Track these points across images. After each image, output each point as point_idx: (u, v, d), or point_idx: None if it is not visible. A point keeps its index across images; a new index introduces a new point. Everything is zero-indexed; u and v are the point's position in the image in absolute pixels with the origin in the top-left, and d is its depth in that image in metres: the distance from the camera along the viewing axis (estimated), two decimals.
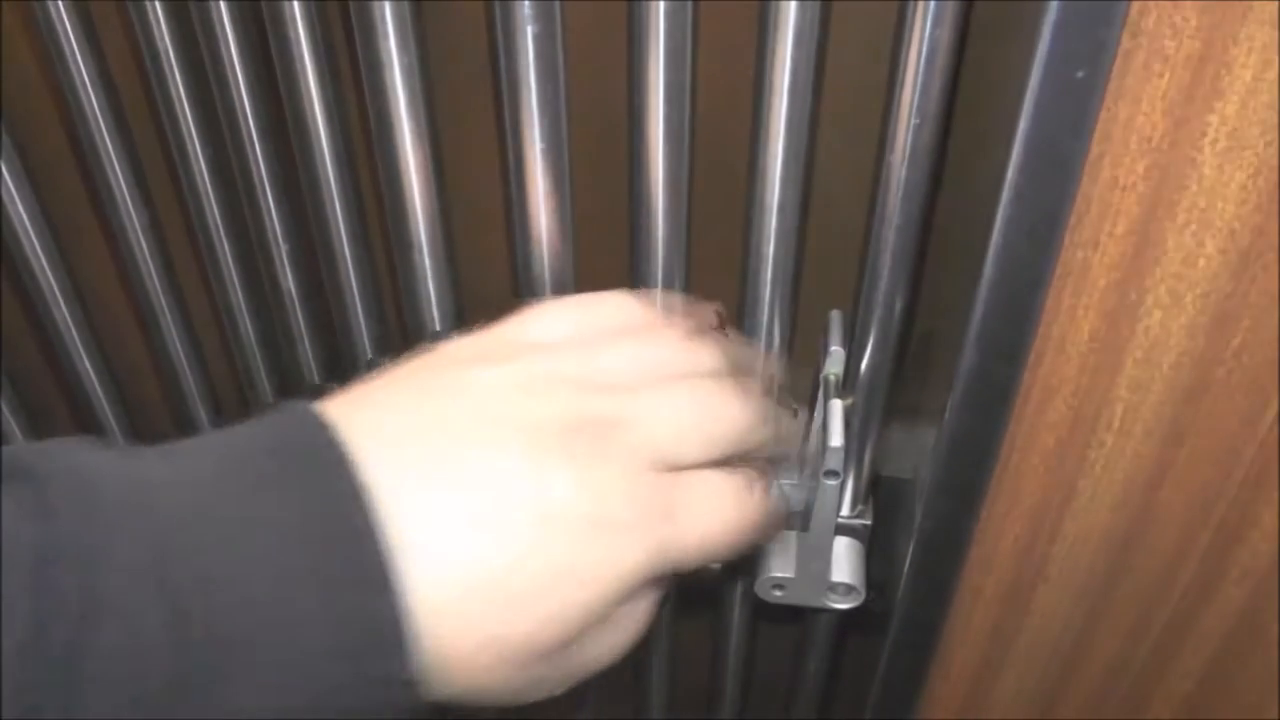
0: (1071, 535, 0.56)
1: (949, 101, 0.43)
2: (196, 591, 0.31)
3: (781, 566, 0.56)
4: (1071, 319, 0.47)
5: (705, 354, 0.41)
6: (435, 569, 0.34)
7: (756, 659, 0.72)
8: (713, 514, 0.38)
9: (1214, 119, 0.40)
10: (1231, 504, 0.52)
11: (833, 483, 0.51)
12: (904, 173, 0.44)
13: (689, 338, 0.41)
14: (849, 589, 0.56)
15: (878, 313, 0.49)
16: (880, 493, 0.52)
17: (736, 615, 0.67)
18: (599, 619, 0.36)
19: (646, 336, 0.40)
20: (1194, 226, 0.43)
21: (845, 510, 0.55)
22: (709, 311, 0.47)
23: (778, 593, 0.57)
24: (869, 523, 0.56)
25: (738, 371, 0.41)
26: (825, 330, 0.52)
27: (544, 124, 0.45)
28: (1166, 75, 0.40)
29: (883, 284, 0.48)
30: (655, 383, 0.38)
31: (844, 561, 0.56)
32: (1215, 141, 0.41)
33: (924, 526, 0.54)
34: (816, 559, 0.54)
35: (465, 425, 0.35)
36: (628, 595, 0.36)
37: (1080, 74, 0.39)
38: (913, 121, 0.42)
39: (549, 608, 0.35)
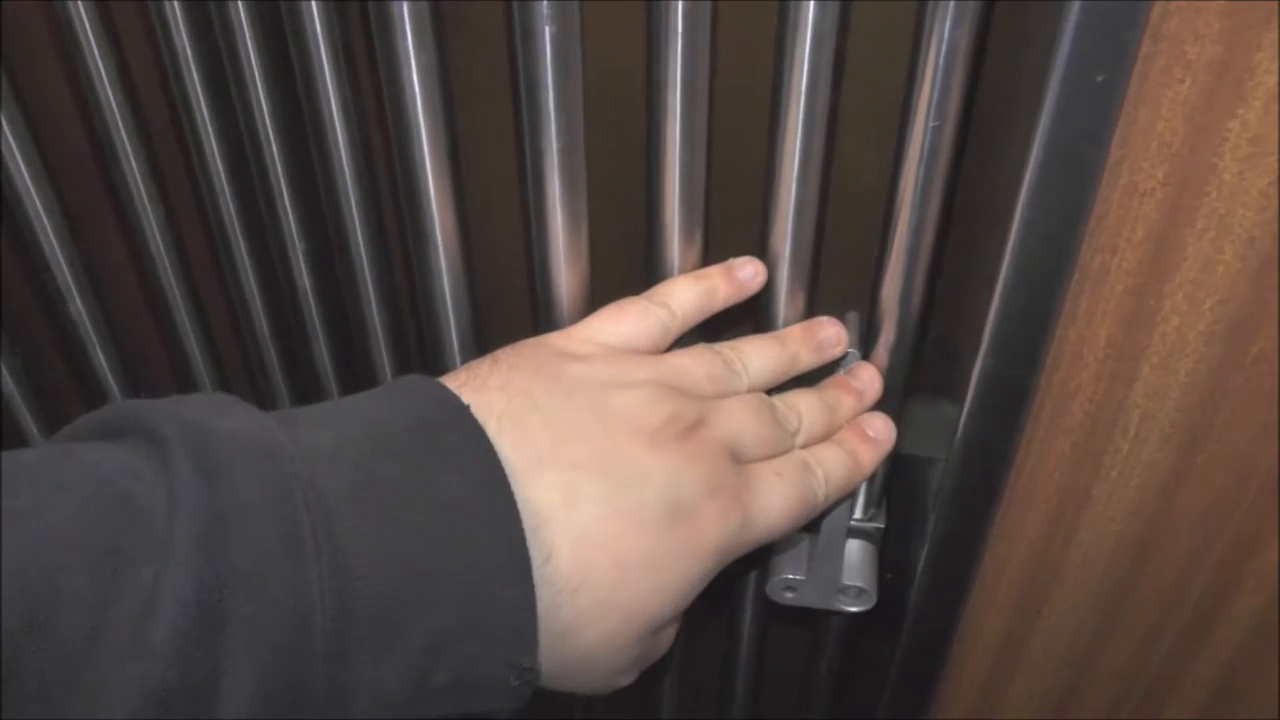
0: (1086, 541, 0.56)
1: (967, 103, 0.42)
2: (361, 565, 0.33)
3: (793, 568, 0.56)
4: (1089, 324, 0.47)
5: (754, 364, 0.47)
6: (576, 545, 0.37)
7: (767, 660, 0.72)
8: (779, 494, 0.43)
9: (1235, 125, 0.40)
10: (1248, 512, 0.52)
11: None
12: (921, 174, 0.44)
13: (738, 353, 0.47)
14: (860, 592, 0.56)
15: (894, 315, 0.49)
16: (899, 470, 0.51)
17: (748, 616, 0.67)
18: (696, 592, 0.41)
19: (700, 349, 0.47)
20: (1213, 233, 0.43)
21: (858, 513, 0.55)
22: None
23: (789, 595, 0.57)
24: (881, 525, 0.56)
25: (786, 372, 0.49)
26: None
27: (560, 124, 0.45)
28: (1188, 80, 0.39)
29: (899, 286, 0.47)
30: (714, 389, 0.44)
31: (856, 564, 0.56)
32: (1236, 147, 0.41)
33: (938, 530, 0.54)
34: (828, 562, 0.55)
35: (586, 418, 0.40)
36: (721, 565, 0.42)
37: (1100, 78, 0.39)
38: (930, 123, 0.42)
39: (671, 580, 0.39)
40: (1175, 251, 0.44)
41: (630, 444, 0.40)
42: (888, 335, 0.50)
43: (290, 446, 0.34)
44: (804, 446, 0.48)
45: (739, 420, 0.44)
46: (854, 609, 0.57)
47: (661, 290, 0.48)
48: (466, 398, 0.39)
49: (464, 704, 0.37)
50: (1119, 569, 0.57)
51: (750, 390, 0.47)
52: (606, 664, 0.40)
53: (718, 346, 0.48)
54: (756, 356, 0.48)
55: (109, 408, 0.35)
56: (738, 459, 0.43)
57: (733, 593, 0.66)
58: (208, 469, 0.32)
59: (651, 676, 0.73)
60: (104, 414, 0.35)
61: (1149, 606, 0.58)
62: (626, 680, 0.43)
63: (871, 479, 0.54)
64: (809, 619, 0.67)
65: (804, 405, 0.48)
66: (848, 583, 0.56)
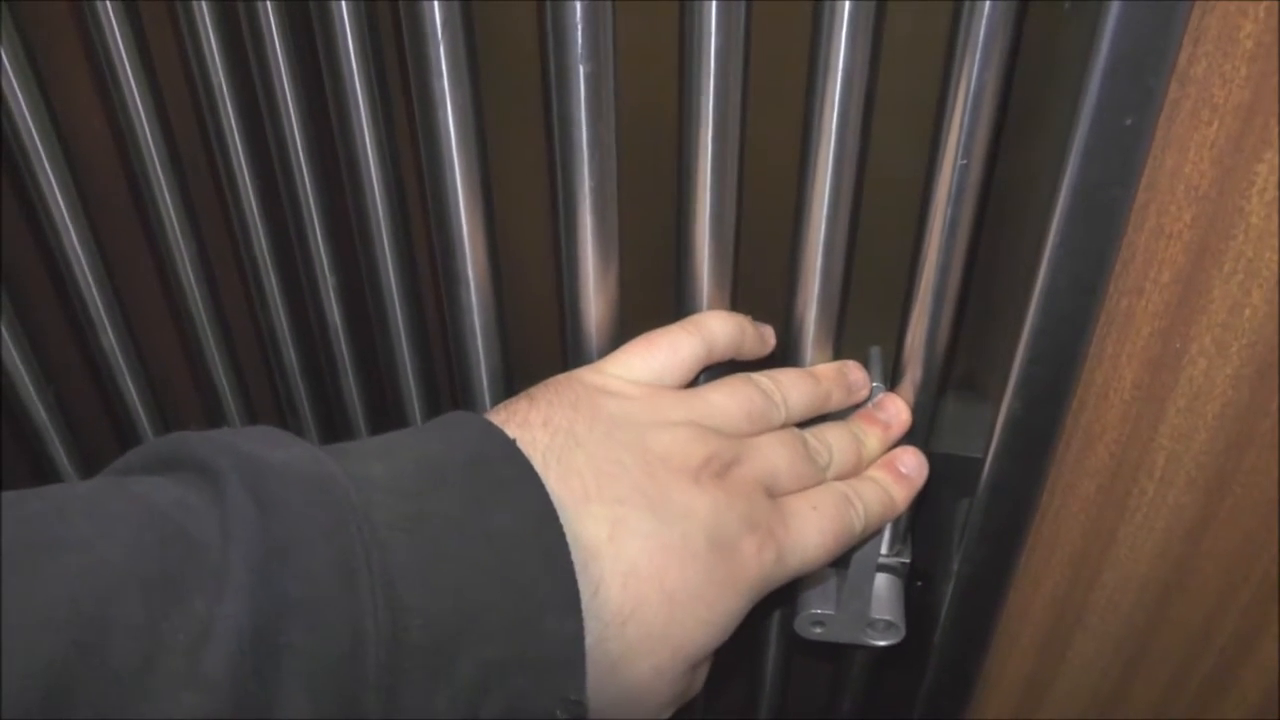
0: (1111, 584, 0.56)
1: (994, 143, 0.43)
2: (414, 595, 0.33)
3: (821, 604, 0.56)
4: (1115, 367, 0.47)
5: (793, 397, 0.48)
6: (626, 578, 0.38)
7: (790, 698, 0.72)
8: (814, 527, 0.44)
9: (1262, 168, 0.40)
10: (1275, 556, 0.52)
11: None
12: (949, 212, 0.44)
13: (776, 384, 0.48)
14: (889, 625, 0.56)
15: (920, 353, 0.49)
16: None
17: (772, 653, 0.67)
18: (736, 623, 0.42)
19: (736, 383, 0.47)
20: (1240, 276, 0.43)
21: (884, 549, 0.55)
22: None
23: (818, 630, 0.57)
24: (907, 560, 0.56)
25: (819, 409, 0.49)
26: (866, 367, 0.52)
27: (593, 163, 0.46)
28: (1215, 124, 0.40)
29: (925, 324, 0.48)
30: (750, 426, 0.45)
31: (884, 598, 0.56)
32: (1264, 191, 0.41)
33: (962, 572, 0.54)
34: (857, 596, 0.55)
35: (628, 454, 0.41)
36: (758, 599, 0.42)
37: (1129, 121, 0.39)
38: (959, 162, 0.43)
39: (715, 614, 0.40)
40: (1202, 294, 0.44)
41: (673, 479, 0.41)
42: (913, 373, 0.50)
43: (344, 479, 0.35)
44: (834, 480, 0.48)
45: (774, 457, 0.45)
46: (883, 643, 0.57)
47: (694, 320, 0.49)
48: (511, 433, 0.39)
49: None
50: (1144, 613, 0.56)
51: (785, 425, 0.47)
52: (653, 698, 0.41)
53: (755, 378, 0.48)
54: (795, 391, 0.48)
55: (160, 440, 0.36)
56: (772, 493, 0.44)
57: (757, 630, 0.65)
58: (262, 500, 0.32)
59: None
60: (156, 446, 0.36)
61: (1174, 651, 0.58)
62: (665, 715, 0.43)
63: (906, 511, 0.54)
64: (831, 656, 0.66)
65: (834, 439, 0.49)
66: (876, 616, 0.56)
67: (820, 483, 0.47)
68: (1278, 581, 0.53)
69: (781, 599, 0.61)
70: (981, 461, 0.50)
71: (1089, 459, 0.51)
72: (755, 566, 0.41)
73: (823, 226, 0.47)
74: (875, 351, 0.53)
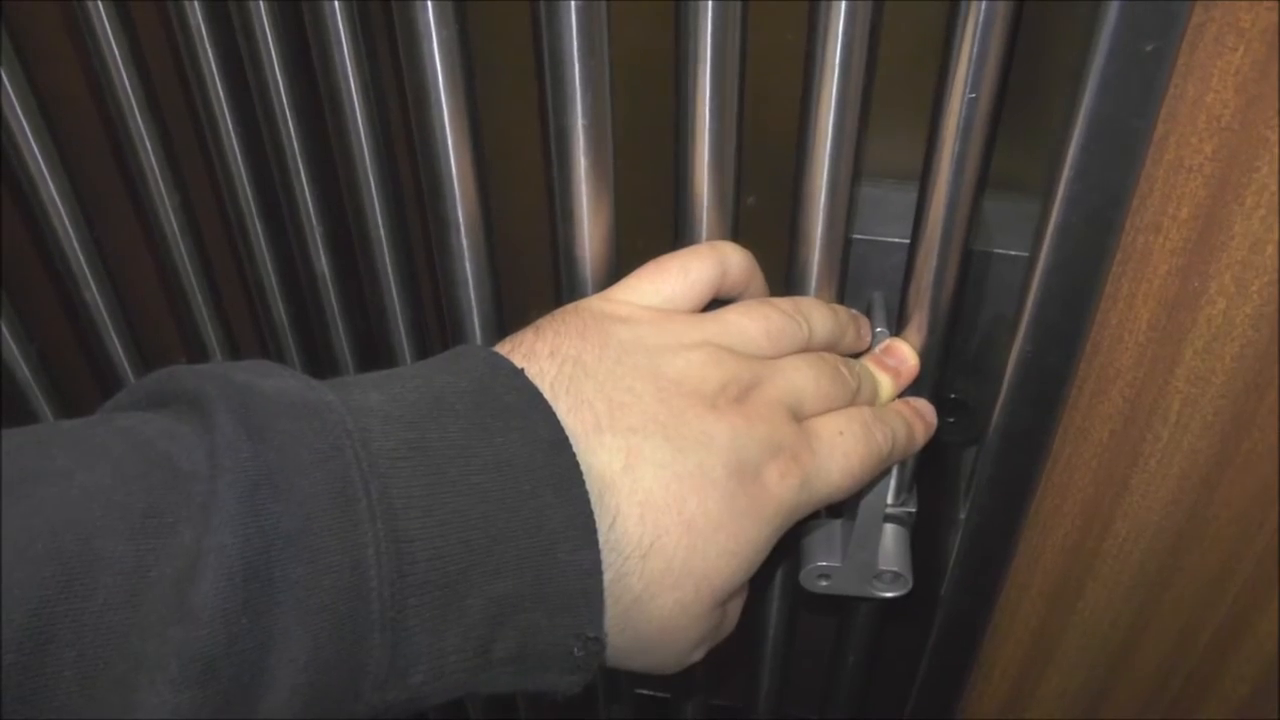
0: (1123, 532, 0.54)
1: (1004, 75, 0.41)
2: (417, 526, 0.32)
3: (827, 556, 0.55)
4: (1130, 307, 0.46)
5: (815, 319, 0.45)
6: (644, 509, 0.36)
7: (794, 652, 0.71)
8: (841, 451, 0.42)
9: None
10: None
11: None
12: (956, 147, 0.42)
13: (796, 306, 0.45)
14: (896, 576, 0.55)
15: (927, 296, 0.47)
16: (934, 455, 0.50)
17: (775, 608, 0.66)
18: (764, 554, 0.40)
19: (756, 304, 0.45)
20: (1263, 211, 0.42)
21: (890, 498, 0.53)
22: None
23: (823, 582, 0.56)
24: (913, 510, 0.55)
25: (841, 335, 0.47)
26: (868, 312, 0.51)
27: (586, 102, 0.44)
28: (1240, 49, 0.38)
29: (932, 264, 0.46)
30: (771, 347, 0.43)
31: (891, 549, 0.55)
32: None
33: (971, 519, 0.53)
34: (864, 547, 0.54)
35: (640, 381, 0.39)
36: (785, 528, 0.41)
37: (1149, 47, 0.37)
38: (968, 94, 0.41)
39: (740, 544, 0.38)
40: (1222, 230, 0.43)
41: (688, 405, 0.39)
42: (919, 319, 0.48)
43: (339, 405, 0.33)
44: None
45: (798, 378, 0.43)
46: (890, 594, 0.56)
47: (708, 244, 0.47)
48: (517, 364, 0.38)
49: (526, 677, 0.36)
50: (1157, 561, 0.55)
51: (808, 348, 0.45)
52: (680, 636, 0.39)
53: (775, 300, 0.46)
54: (816, 315, 0.46)
55: (152, 376, 0.34)
56: (797, 416, 0.42)
57: (759, 582, 0.64)
58: (252, 427, 0.31)
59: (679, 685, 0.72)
60: (146, 381, 0.34)
61: (1187, 600, 0.57)
62: (697, 656, 0.42)
63: (903, 463, 0.52)
64: (836, 609, 0.65)
65: (861, 369, 0.47)
66: (884, 568, 0.55)
67: (847, 406, 0.45)
68: None
69: (785, 552, 0.59)
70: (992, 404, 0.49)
71: (1102, 403, 0.49)
72: (780, 493, 0.40)
73: (825, 167, 0.45)
74: (878, 297, 0.52)
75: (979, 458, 0.51)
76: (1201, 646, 0.59)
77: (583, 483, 0.35)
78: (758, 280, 0.47)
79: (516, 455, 0.34)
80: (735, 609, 0.43)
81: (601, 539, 0.35)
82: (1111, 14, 0.36)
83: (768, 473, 0.39)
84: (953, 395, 0.56)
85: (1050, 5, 0.44)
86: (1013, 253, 0.49)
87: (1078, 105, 0.39)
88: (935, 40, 0.43)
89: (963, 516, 0.53)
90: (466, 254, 0.50)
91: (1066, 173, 0.40)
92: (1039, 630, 0.60)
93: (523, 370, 0.37)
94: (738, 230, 0.48)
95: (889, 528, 0.55)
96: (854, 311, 0.50)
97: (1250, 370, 0.46)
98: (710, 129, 0.45)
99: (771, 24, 0.49)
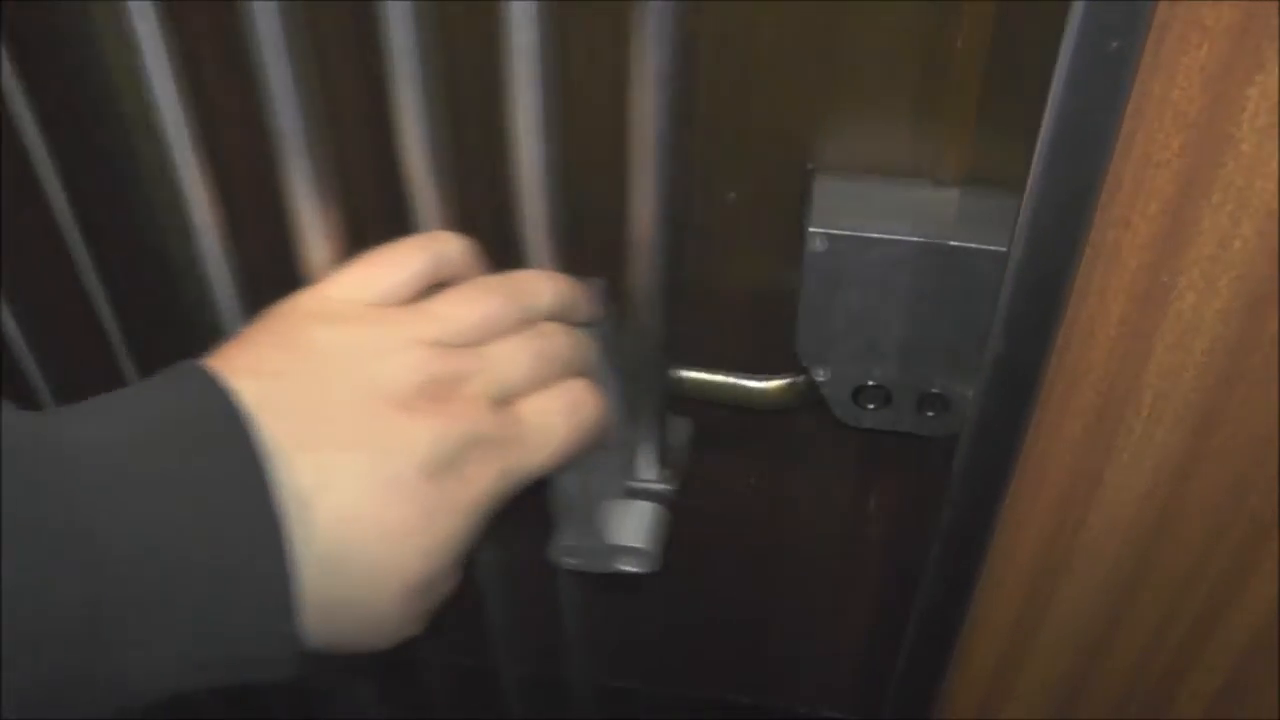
0: (1097, 526, 0.55)
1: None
2: (115, 549, 0.33)
3: (570, 531, 0.57)
4: (1101, 302, 0.46)
5: (533, 291, 0.47)
6: (341, 525, 0.38)
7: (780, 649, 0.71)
8: (549, 429, 0.44)
9: (1254, 92, 0.39)
10: (1264, 496, 0.51)
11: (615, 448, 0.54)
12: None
13: (502, 283, 0.46)
14: (639, 553, 0.56)
15: (647, 275, 0.49)
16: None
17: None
18: (472, 538, 0.42)
19: (470, 290, 0.45)
20: (1230, 206, 0.42)
21: (646, 474, 0.56)
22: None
23: (571, 559, 0.58)
24: (672, 487, 0.57)
25: (561, 304, 0.48)
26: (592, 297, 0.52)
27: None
28: (1205, 46, 0.38)
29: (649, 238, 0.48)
30: (485, 332, 0.44)
31: (633, 525, 0.57)
32: (1255, 116, 0.39)
33: (947, 515, 0.53)
34: (595, 522, 0.56)
35: (341, 390, 0.40)
36: (492, 512, 0.42)
37: (1114, 44, 0.37)
38: None
39: (439, 541, 0.40)
40: (1191, 226, 0.43)
41: (387, 412, 0.40)
42: (644, 295, 0.50)
43: (42, 441, 0.34)
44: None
45: (507, 365, 0.44)
46: (634, 570, 0.57)
47: (422, 235, 0.47)
48: (220, 383, 0.38)
49: (238, 677, 0.38)
50: (1131, 555, 0.56)
51: (528, 322, 0.46)
52: (388, 624, 0.41)
53: (491, 278, 0.47)
54: (535, 287, 0.47)
55: None
56: (505, 401, 0.43)
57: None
58: None
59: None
60: None
61: (1162, 593, 0.57)
62: (415, 631, 0.43)
63: (661, 440, 0.55)
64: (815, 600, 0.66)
65: (576, 340, 0.48)
66: (624, 544, 0.56)
67: (557, 382, 0.46)
68: (1267, 519, 0.52)
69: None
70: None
71: (1074, 399, 0.49)
72: (482, 485, 0.41)
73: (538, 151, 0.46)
74: (596, 283, 0.52)
75: (955, 453, 0.51)
76: (1177, 639, 0.59)
77: (276, 504, 0.36)
78: (477, 267, 0.48)
79: (212, 482, 0.36)
80: (453, 581, 0.44)
81: (300, 552, 0.37)
82: (1077, 13, 0.37)
83: (469, 466, 0.41)
84: (933, 390, 0.56)
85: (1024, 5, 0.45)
86: (988, 247, 0.50)
87: (1046, 101, 0.39)
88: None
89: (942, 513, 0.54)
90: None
91: (1035, 168, 0.41)
92: (1015, 625, 0.60)
93: (226, 393, 0.38)
94: (718, 226, 0.49)
95: (637, 504, 0.57)
96: (575, 280, 0.50)
97: (1220, 365, 0.47)
98: (421, 118, 0.46)
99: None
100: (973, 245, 0.51)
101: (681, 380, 0.60)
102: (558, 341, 0.46)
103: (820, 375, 0.58)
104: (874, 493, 0.68)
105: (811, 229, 0.52)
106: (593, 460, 0.50)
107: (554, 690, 0.82)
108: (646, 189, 0.46)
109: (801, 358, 0.57)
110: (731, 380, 0.60)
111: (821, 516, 0.70)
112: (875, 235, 0.52)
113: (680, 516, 0.58)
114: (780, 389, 0.60)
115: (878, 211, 0.53)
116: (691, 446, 0.61)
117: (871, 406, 0.58)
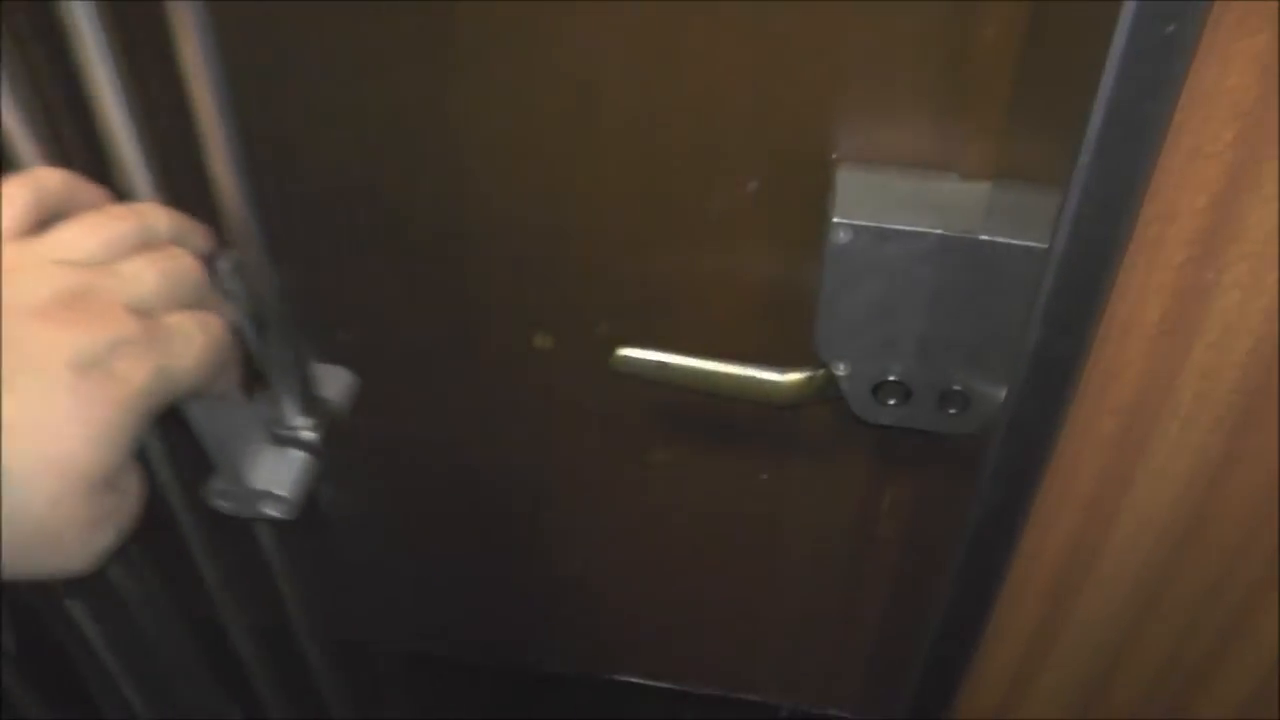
0: (1127, 528, 0.53)
1: None
2: None
3: (222, 477, 0.58)
4: (1142, 298, 0.45)
5: (152, 218, 0.49)
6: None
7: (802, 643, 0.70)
8: (189, 336, 0.46)
9: None
10: None
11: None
12: None
13: (121, 209, 0.49)
14: (278, 499, 0.58)
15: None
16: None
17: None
18: (137, 437, 0.43)
19: (90, 215, 0.48)
20: None
21: (295, 421, 0.58)
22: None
23: (224, 502, 0.59)
24: (317, 436, 0.59)
25: (182, 233, 0.51)
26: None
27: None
28: (1264, 32, 0.37)
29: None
30: (110, 252, 0.47)
31: (272, 471, 0.59)
32: None
33: (975, 513, 0.52)
34: (234, 465, 0.57)
35: None
36: (153, 413, 0.44)
37: (1170, 29, 0.36)
38: None
39: (98, 430, 0.42)
40: (1239, 220, 0.42)
41: (27, 321, 0.42)
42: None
43: None
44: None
45: (137, 278, 0.46)
46: (275, 514, 0.59)
47: (24, 172, 0.49)
48: None
49: None
50: (1161, 558, 0.54)
51: (152, 245, 0.49)
52: (68, 531, 0.42)
53: (110, 208, 0.49)
54: (153, 215, 0.49)
55: None
56: (147, 314, 0.45)
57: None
58: None
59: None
60: None
61: (1189, 599, 0.56)
62: (104, 544, 0.44)
63: (306, 389, 0.57)
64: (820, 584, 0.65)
65: (186, 264, 0.50)
66: (264, 489, 0.58)
67: (192, 304, 0.48)
68: None
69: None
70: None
71: (1110, 396, 0.48)
72: (136, 381, 0.43)
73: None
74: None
75: (984, 450, 0.50)
76: (1202, 646, 0.58)
77: None
78: (89, 194, 0.50)
79: None
80: (132, 492, 0.46)
81: None
82: None
83: (118, 364, 0.43)
84: (955, 387, 0.55)
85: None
86: (1020, 242, 0.48)
87: (1096, 87, 0.38)
88: None
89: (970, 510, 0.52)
90: None
91: (1082, 158, 0.39)
92: (1038, 627, 0.59)
93: None
94: (739, 216, 0.47)
95: (283, 451, 0.59)
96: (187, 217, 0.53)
97: (1263, 366, 0.45)
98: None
99: None
100: (1003, 240, 0.49)
101: (696, 371, 0.58)
102: (183, 263, 0.49)
103: (840, 369, 0.57)
104: (888, 490, 0.66)
105: (836, 220, 0.51)
106: (238, 407, 0.54)
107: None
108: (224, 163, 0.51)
109: (820, 351, 0.56)
110: (748, 372, 0.59)
111: (834, 513, 0.69)
112: (901, 228, 0.51)
113: (679, 511, 0.57)
114: (797, 383, 0.59)
115: (903, 204, 0.52)
116: (351, 397, 0.63)
117: (891, 402, 0.57)
